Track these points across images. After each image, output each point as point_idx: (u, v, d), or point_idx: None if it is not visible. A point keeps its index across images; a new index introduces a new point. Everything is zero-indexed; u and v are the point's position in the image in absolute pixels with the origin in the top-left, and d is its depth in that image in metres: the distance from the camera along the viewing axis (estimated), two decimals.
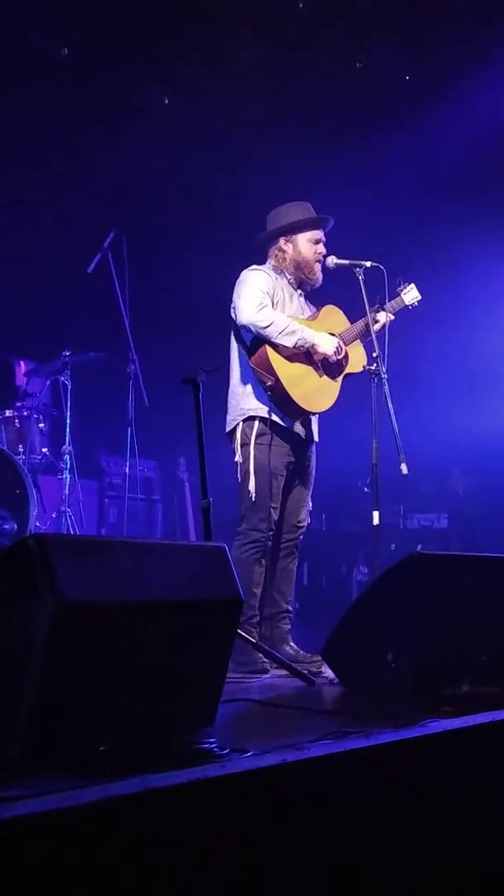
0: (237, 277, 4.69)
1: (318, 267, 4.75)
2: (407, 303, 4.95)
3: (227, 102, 7.47)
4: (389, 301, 4.85)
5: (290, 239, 4.74)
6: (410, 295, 4.95)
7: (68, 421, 6.43)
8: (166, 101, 7.90)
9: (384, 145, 7.48)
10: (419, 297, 4.96)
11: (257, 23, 7.27)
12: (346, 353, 4.72)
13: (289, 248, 4.74)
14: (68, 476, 6.38)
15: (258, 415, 4.55)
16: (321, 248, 4.75)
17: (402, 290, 4.94)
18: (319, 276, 4.78)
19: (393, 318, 4.84)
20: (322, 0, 7.17)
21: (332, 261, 4.72)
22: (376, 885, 2.14)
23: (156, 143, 7.52)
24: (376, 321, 4.72)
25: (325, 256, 4.74)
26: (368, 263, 4.69)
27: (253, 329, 4.49)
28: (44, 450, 6.49)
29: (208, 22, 7.13)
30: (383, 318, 4.78)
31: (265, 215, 4.87)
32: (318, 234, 4.76)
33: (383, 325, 4.76)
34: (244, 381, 4.62)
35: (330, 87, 7.62)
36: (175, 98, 7.84)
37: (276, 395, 4.51)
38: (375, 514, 4.49)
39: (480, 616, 3.41)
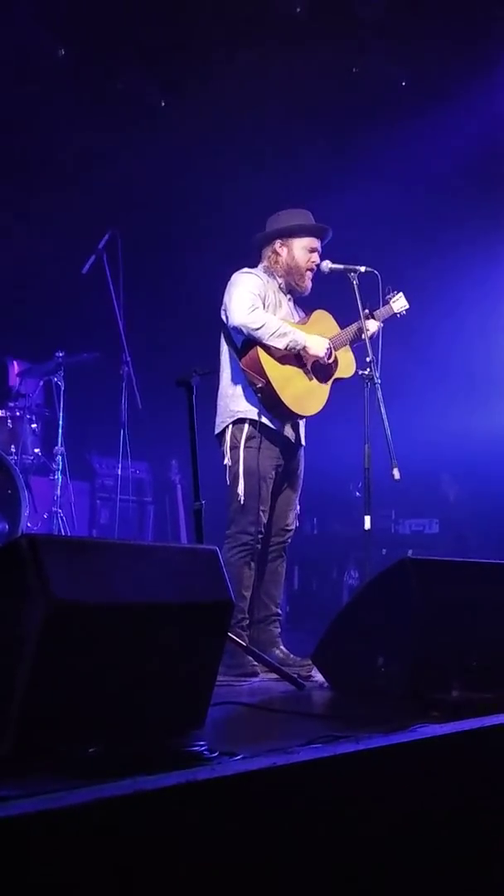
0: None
1: (308, 276, 4.76)
2: (395, 311, 4.96)
3: (223, 106, 7.47)
4: (379, 308, 4.88)
5: (285, 243, 4.75)
6: (399, 303, 4.97)
7: (61, 422, 6.43)
8: (163, 104, 7.90)
9: (380, 151, 7.50)
10: (407, 306, 4.98)
11: (254, 26, 7.28)
12: (336, 357, 4.74)
13: (283, 251, 4.74)
14: (60, 477, 6.38)
15: (248, 417, 4.56)
16: (315, 258, 4.75)
17: (391, 298, 4.95)
18: (308, 285, 4.78)
19: (381, 325, 4.85)
20: (319, 5, 7.18)
21: (326, 265, 4.73)
22: (365, 889, 2.14)
23: (152, 145, 7.52)
24: (367, 328, 4.72)
25: (319, 262, 4.74)
26: (363, 268, 4.70)
27: (245, 331, 4.50)
28: (36, 450, 6.48)
29: (206, 25, 7.13)
30: (373, 325, 4.79)
31: (260, 218, 4.88)
32: (315, 242, 4.77)
33: (373, 332, 4.77)
34: (234, 383, 4.62)
35: (326, 92, 7.63)
36: (172, 100, 7.84)
37: (266, 397, 4.51)
38: (367, 519, 4.49)
39: (470, 621, 3.42)
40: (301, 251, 4.74)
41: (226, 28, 7.18)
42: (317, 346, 4.61)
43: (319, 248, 4.78)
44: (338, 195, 6.69)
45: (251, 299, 4.53)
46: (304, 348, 4.57)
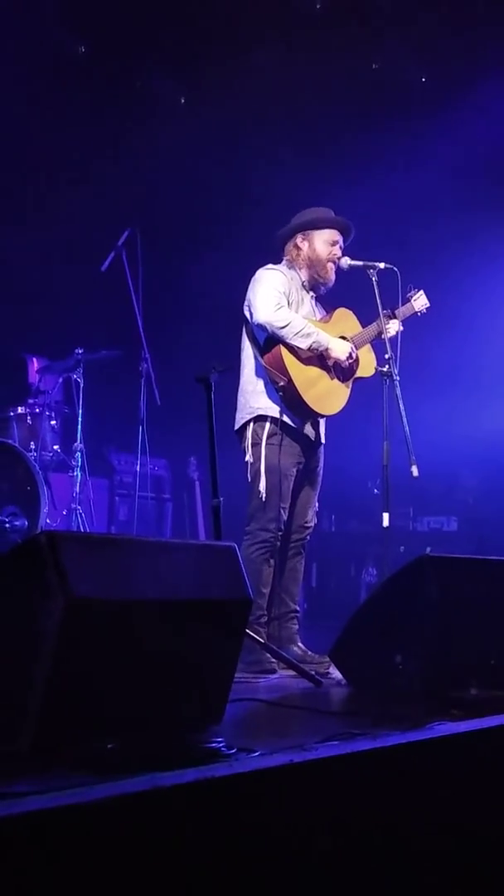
0: (251, 276, 4.69)
1: (331, 267, 4.74)
2: (416, 309, 4.96)
3: (242, 103, 7.47)
4: (399, 307, 4.87)
5: (306, 236, 4.74)
6: (419, 302, 4.97)
7: (80, 418, 6.44)
8: (182, 101, 7.91)
9: (399, 147, 7.48)
10: (427, 304, 4.98)
11: (274, 23, 7.27)
12: (357, 357, 4.73)
13: (304, 245, 4.74)
14: (79, 473, 6.40)
15: (269, 414, 4.55)
16: (336, 251, 4.74)
17: (412, 297, 4.95)
18: (332, 277, 4.77)
19: (402, 327, 4.84)
20: (339, 2, 7.16)
21: (345, 262, 4.72)
22: (381, 888, 2.14)
23: (171, 142, 7.52)
24: (388, 326, 4.71)
25: (340, 256, 4.74)
26: (382, 265, 4.69)
27: (269, 328, 4.49)
28: (55, 447, 6.50)
29: (225, 22, 7.13)
30: (395, 324, 4.78)
31: (279, 215, 4.89)
32: (336, 235, 4.75)
33: (395, 331, 4.76)
34: (255, 380, 4.61)
35: (346, 89, 7.62)
36: (191, 97, 7.85)
37: (287, 395, 4.51)
38: (385, 516, 4.48)
39: (489, 619, 3.41)
40: (322, 244, 4.73)
41: (245, 25, 7.17)
42: (340, 349, 4.60)
43: (341, 242, 4.77)
44: (358, 192, 6.67)
45: (277, 297, 4.52)
46: (326, 350, 4.56)
